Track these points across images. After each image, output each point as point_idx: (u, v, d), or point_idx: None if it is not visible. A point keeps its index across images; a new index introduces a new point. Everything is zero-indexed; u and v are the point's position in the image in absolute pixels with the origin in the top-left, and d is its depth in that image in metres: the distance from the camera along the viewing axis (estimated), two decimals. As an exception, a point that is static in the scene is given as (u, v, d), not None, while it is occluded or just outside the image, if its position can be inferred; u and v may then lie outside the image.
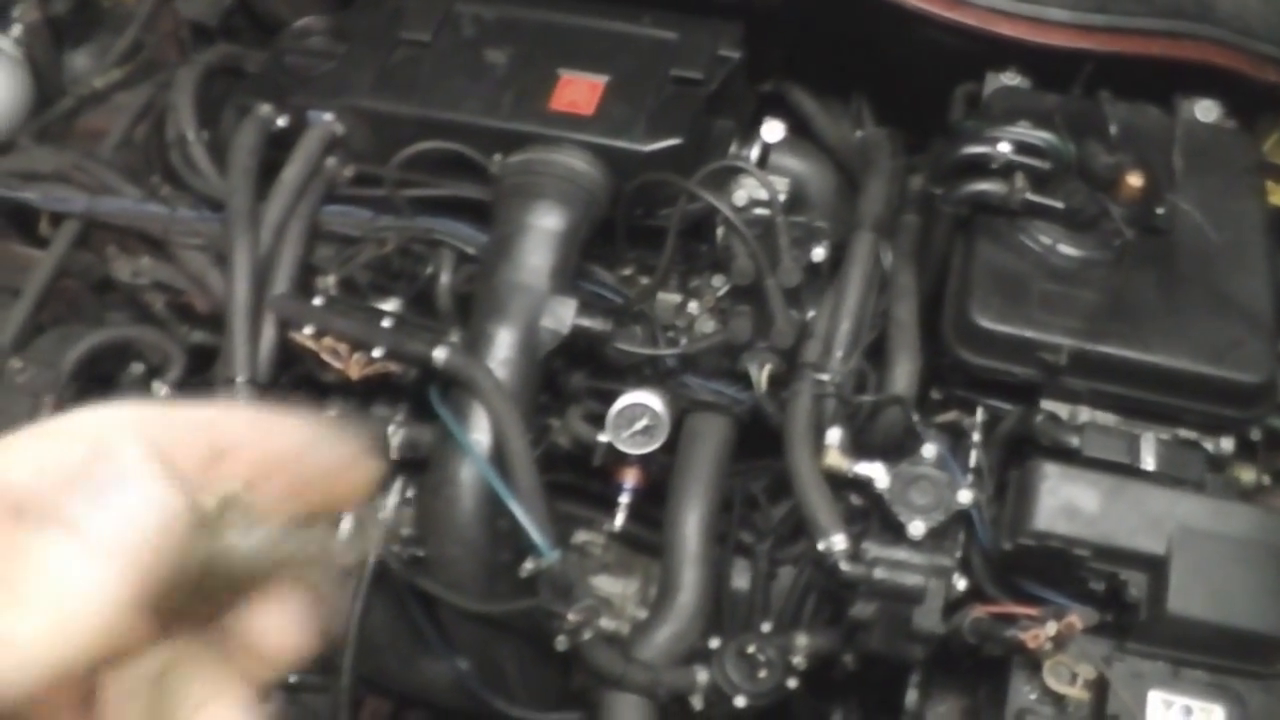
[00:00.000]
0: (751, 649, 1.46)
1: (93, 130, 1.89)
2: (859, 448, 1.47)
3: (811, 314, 1.57)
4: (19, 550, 0.39)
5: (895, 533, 1.37)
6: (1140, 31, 1.62)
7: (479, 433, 1.45)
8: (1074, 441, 1.36)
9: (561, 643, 1.45)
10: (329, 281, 1.61)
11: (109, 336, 1.68)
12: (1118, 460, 1.36)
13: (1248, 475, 1.43)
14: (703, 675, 1.47)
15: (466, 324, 1.56)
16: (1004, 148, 1.47)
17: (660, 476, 1.61)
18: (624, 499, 1.58)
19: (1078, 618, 1.27)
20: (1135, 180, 1.44)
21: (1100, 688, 1.29)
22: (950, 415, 1.49)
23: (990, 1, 1.62)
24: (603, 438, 1.53)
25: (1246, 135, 1.63)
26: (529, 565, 1.42)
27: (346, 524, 0.51)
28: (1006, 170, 1.47)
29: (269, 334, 1.58)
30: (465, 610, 1.52)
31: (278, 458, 0.48)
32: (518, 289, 1.50)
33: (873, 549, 1.37)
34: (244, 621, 0.47)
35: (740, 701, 1.45)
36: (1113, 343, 1.38)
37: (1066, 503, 1.31)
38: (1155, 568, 1.29)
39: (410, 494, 1.61)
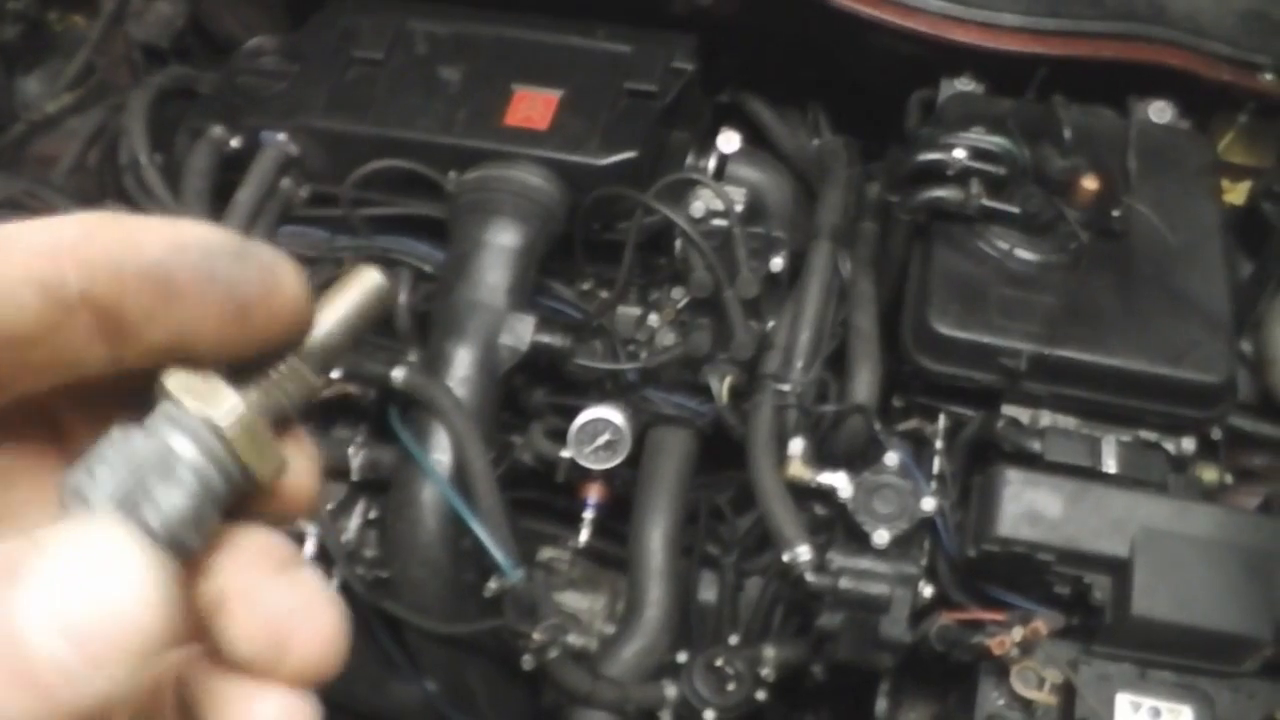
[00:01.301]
0: (720, 662, 1.45)
1: (45, 156, 1.87)
2: (822, 458, 1.47)
3: (771, 324, 1.57)
4: None
5: (860, 542, 1.37)
6: (1093, 34, 1.63)
7: (439, 453, 1.44)
8: (1036, 446, 1.37)
9: (528, 662, 1.44)
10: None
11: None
12: (1080, 463, 1.36)
13: (1210, 475, 1.43)
14: (671, 690, 1.46)
15: (425, 343, 1.55)
16: (959, 154, 1.47)
17: (624, 491, 1.60)
18: (588, 514, 1.58)
19: (1043, 622, 1.27)
20: (1090, 184, 1.45)
21: (1068, 692, 1.29)
22: (912, 423, 1.49)
23: (943, 8, 1.62)
24: (565, 454, 1.53)
25: (1201, 135, 1.64)
26: (493, 585, 1.41)
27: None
28: (962, 176, 1.47)
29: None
30: (431, 632, 1.51)
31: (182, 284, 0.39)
32: (476, 307, 1.49)
33: (838, 559, 1.36)
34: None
35: (710, 715, 1.44)
36: (1072, 346, 1.38)
37: (1029, 508, 1.31)
38: (1119, 570, 1.29)
39: (373, 515, 1.59)
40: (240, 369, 0.42)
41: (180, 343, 0.40)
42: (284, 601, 0.40)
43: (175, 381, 0.40)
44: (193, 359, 0.41)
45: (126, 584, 0.35)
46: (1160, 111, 1.63)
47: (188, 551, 0.39)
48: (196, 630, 0.41)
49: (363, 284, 0.44)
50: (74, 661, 0.33)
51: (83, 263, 0.38)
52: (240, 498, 0.41)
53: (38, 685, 0.33)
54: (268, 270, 0.41)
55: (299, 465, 0.44)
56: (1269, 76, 1.61)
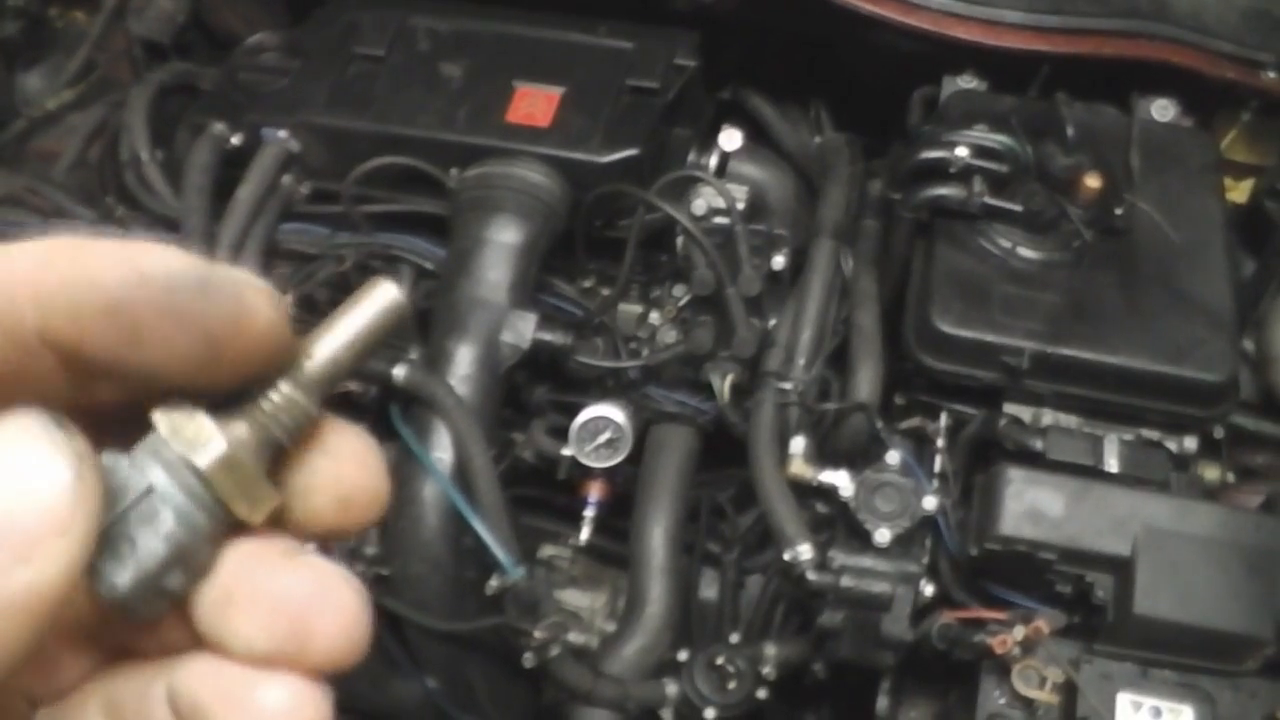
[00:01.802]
0: (721, 660, 1.45)
1: (46, 152, 1.87)
2: (823, 456, 1.47)
3: (773, 322, 1.57)
4: None
5: (861, 540, 1.37)
6: (1096, 32, 1.62)
7: (441, 450, 1.44)
8: (1038, 444, 1.36)
9: (529, 659, 1.43)
10: (286, 300, 1.59)
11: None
12: (1082, 462, 1.36)
13: (1212, 473, 1.43)
14: (672, 688, 1.46)
15: (426, 340, 1.55)
16: (961, 151, 1.47)
17: (626, 488, 1.60)
18: (589, 512, 1.58)
19: (1045, 621, 1.27)
20: (1093, 181, 1.44)
21: (1069, 691, 1.29)
22: (914, 421, 1.49)
23: (945, 5, 1.61)
24: (566, 451, 1.53)
25: (1204, 133, 1.64)
26: (494, 582, 1.41)
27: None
28: (965, 174, 1.47)
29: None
30: (432, 629, 1.51)
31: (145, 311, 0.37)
32: (477, 304, 1.49)
33: (839, 557, 1.36)
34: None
35: (710, 713, 1.44)
36: (1074, 344, 1.38)
37: (1031, 506, 1.31)
38: (1121, 569, 1.29)
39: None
40: (233, 397, 0.40)
41: (150, 379, 0.38)
42: (299, 588, 0.39)
43: (161, 416, 0.38)
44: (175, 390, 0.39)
45: (45, 474, 0.34)
46: (1163, 109, 1.62)
47: (171, 594, 0.38)
48: (193, 639, 0.40)
49: (376, 300, 0.42)
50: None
51: (38, 300, 0.36)
52: (234, 529, 0.39)
53: None
54: (235, 300, 0.38)
55: (354, 473, 0.42)
56: (1272, 74, 1.61)
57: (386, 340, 0.43)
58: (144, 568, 0.37)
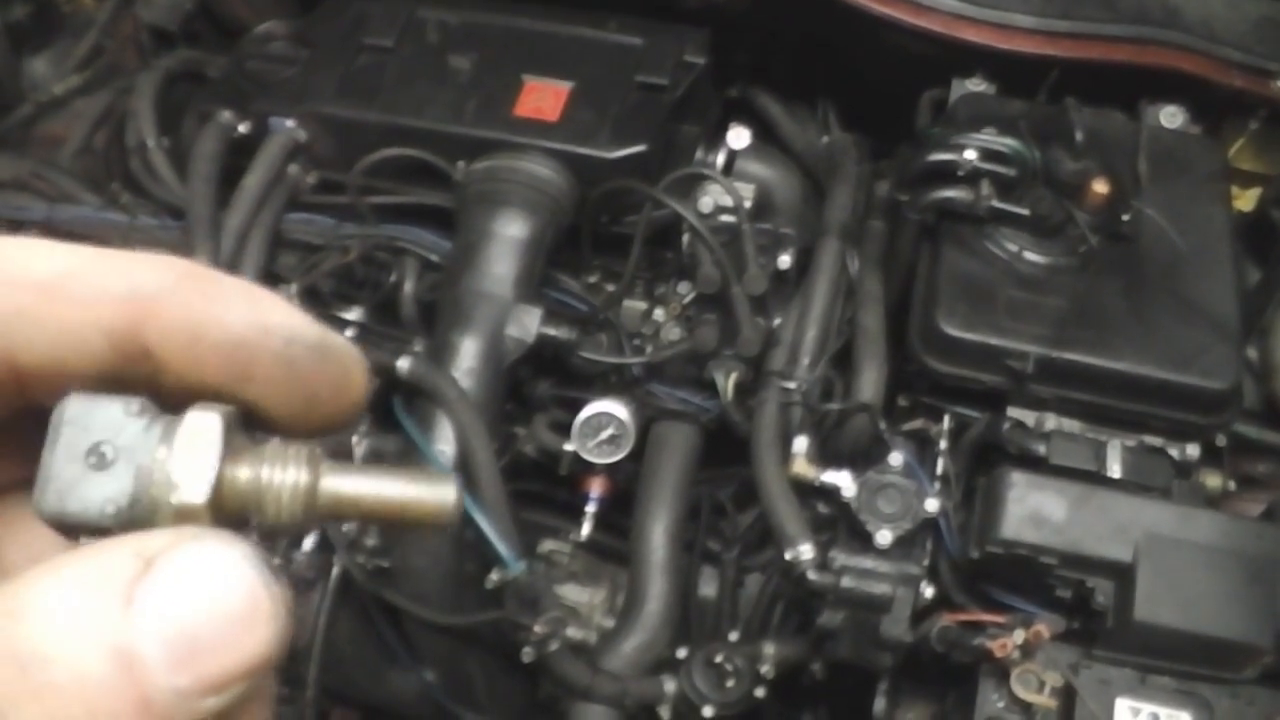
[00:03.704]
0: (719, 658, 1.45)
1: (52, 137, 1.87)
2: (826, 456, 1.47)
3: (778, 321, 1.57)
4: None
5: (863, 541, 1.37)
6: (1105, 37, 1.62)
7: (443, 443, 1.44)
8: (1041, 449, 1.37)
9: (528, 654, 1.43)
10: (292, 290, 1.59)
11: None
12: (1084, 468, 1.36)
13: (1214, 481, 1.43)
14: (670, 685, 1.46)
15: (431, 333, 1.55)
16: (969, 154, 1.47)
17: (627, 485, 1.60)
18: (590, 508, 1.57)
19: (1045, 626, 1.27)
20: (1100, 187, 1.44)
21: (1068, 695, 1.29)
22: (917, 423, 1.49)
23: (956, 7, 1.62)
24: (569, 447, 1.53)
25: (1211, 141, 1.64)
26: (495, 576, 1.41)
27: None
28: (972, 177, 1.47)
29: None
30: (431, 622, 1.51)
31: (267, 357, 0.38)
32: (482, 297, 1.49)
33: (840, 557, 1.36)
34: None
35: (708, 711, 1.44)
36: (1079, 350, 1.38)
37: (1033, 511, 1.31)
38: (1122, 575, 1.29)
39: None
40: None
41: (234, 404, 0.39)
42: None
43: (190, 424, 0.37)
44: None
45: (241, 609, 0.34)
46: (1171, 116, 1.62)
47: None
48: None
49: (435, 490, 0.40)
50: (188, 687, 0.33)
51: (160, 325, 0.37)
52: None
53: (148, 709, 0.32)
54: (344, 369, 0.40)
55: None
56: (1280, 83, 1.61)
57: (413, 524, 0.42)
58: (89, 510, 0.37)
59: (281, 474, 0.39)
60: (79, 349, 0.37)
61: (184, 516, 0.37)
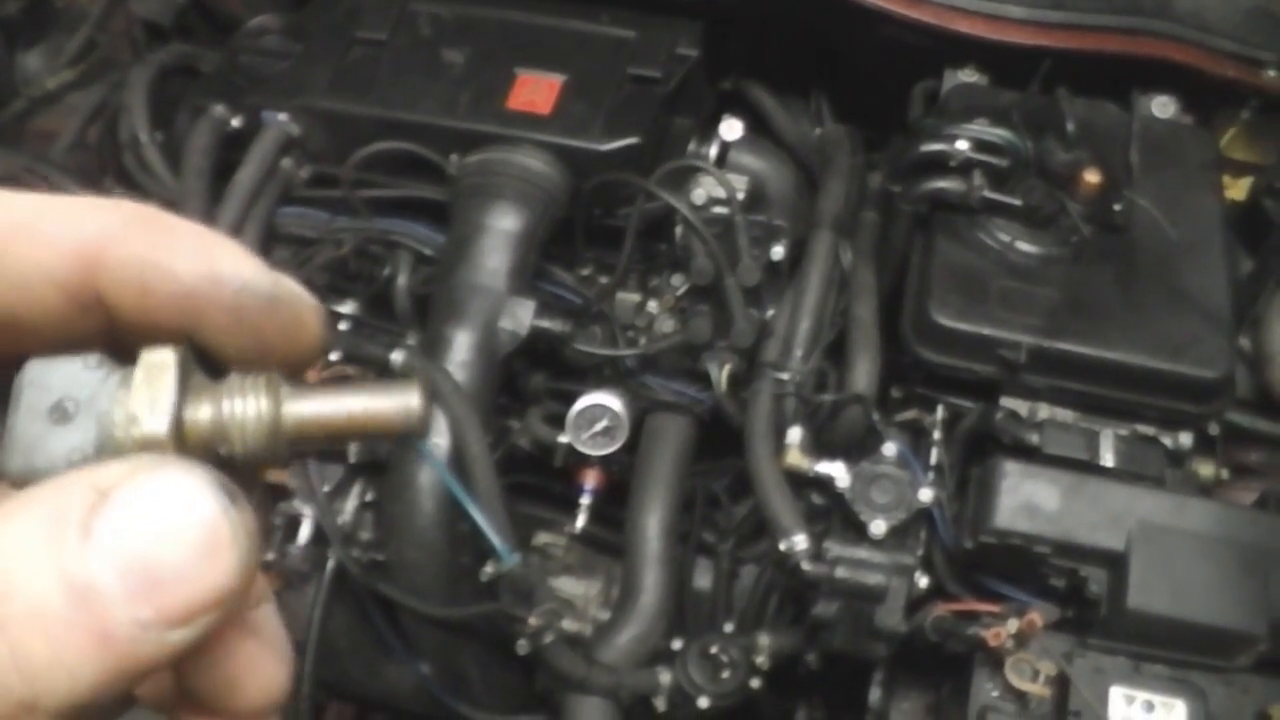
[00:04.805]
0: (714, 649, 1.45)
1: (45, 131, 1.87)
2: (820, 447, 1.47)
3: (771, 313, 1.57)
4: None
5: (857, 531, 1.37)
6: (1097, 28, 1.62)
7: (438, 436, 1.44)
8: (1034, 439, 1.37)
9: (523, 646, 1.44)
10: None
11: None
12: (1077, 457, 1.36)
13: (1207, 470, 1.43)
14: (666, 676, 1.46)
15: (424, 326, 1.55)
16: (962, 145, 1.48)
17: (622, 477, 1.60)
18: (585, 500, 1.58)
19: (1039, 615, 1.28)
20: (1092, 177, 1.45)
21: (1062, 684, 1.29)
22: (911, 413, 1.49)
23: (948, -1, 1.62)
24: (563, 439, 1.53)
25: (1203, 131, 1.64)
26: (489, 569, 1.41)
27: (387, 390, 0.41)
28: (965, 168, 1.48)
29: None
30: (426, 615, 1.51)
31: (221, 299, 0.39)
32: (476, 290, 1.49)
33: (834, 548, 1.36)
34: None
35: (704, 702, 1.44)
36: (1071, 339, 1.38)
37: (1027, 500, 1.31)
38: (1115, 564, 1.29)
39: (369, 498, 1.59)
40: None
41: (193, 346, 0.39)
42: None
43: (144, 362, 0.38)
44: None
45: (201, 536, 0.34)
46: (1163, 106, 1.63)
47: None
48: None
49: (396, 397, 0.41)
50: (150, 619, 0.33)
51: (110, 274, 0.37)
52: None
53: (110, 643, 0.32)
54: (296, 316, 0.41)
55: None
56: (1272, 73, 1.61)
57: (380, 434, 0.43)
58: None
59: (243, 404, 0.39)
60: (32, 303, 0.37)
61: (148, 449, 0.37)
